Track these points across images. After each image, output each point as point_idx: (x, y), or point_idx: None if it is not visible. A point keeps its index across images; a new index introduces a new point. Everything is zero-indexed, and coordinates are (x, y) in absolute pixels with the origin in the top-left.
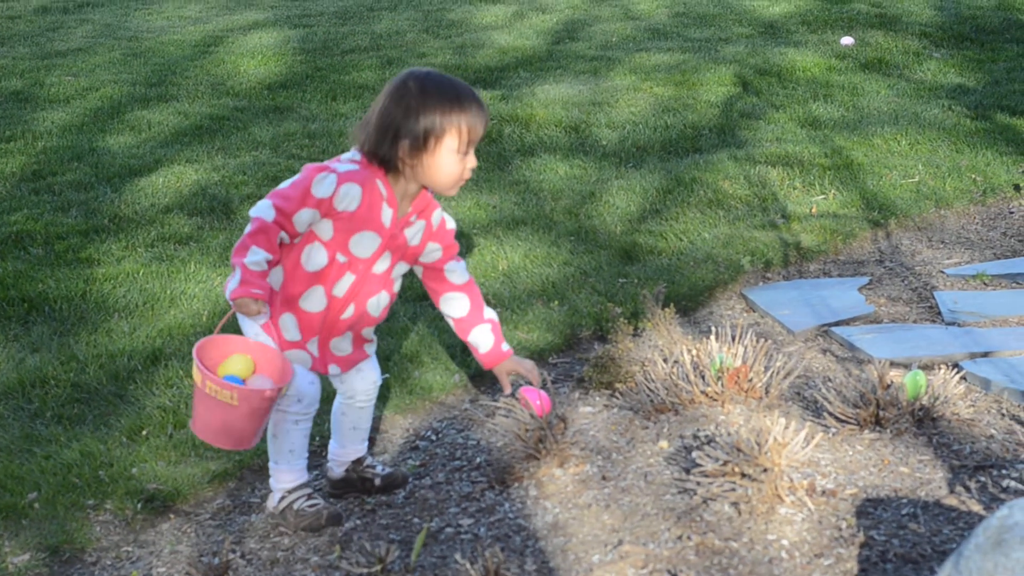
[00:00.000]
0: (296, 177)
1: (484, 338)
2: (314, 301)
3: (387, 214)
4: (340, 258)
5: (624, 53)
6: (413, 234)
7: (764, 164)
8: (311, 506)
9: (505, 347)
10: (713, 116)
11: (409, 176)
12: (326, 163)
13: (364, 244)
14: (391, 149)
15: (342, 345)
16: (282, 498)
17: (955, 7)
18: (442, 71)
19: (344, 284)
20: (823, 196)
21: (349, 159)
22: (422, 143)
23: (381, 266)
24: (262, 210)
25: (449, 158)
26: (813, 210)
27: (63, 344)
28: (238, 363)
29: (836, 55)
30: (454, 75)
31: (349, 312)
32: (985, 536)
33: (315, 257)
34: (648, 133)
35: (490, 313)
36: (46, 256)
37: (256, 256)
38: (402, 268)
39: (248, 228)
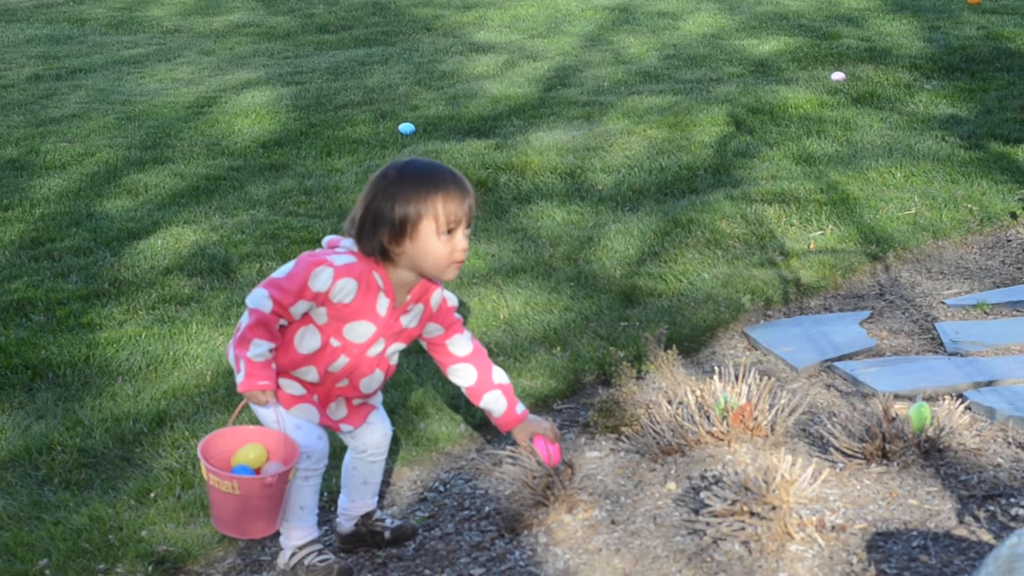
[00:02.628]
0: (293, 267)
1: (497, 404)
2: (309, 375)
3: (383, 304)
4: (334, 343)
5: (616, 97)
6: (410, 319)
7: (760, 202)
8: (322, 561)
9: (520, 409)
10: (708, 156)
11: (401, 264)
12: (323, 254)
13: (358, 331)
14: (374, 239)
15: (339, 411)
16: (293, 554)
17: (944, 38)
18: (430, 157)
19: (338, 364)
20: (821, 232)
21: (347, 250)
22: (399, 230)
23: (375, 350)
24: (259, 301)
25: (431, 242)
26: (811, 246)
27: (68, 410)
28: (250, 452)
29: (827, 91)
30: (448, 125)
31: (344, 383)
32: (996, 565)
33: (308, 340)
34: (643, 176)
35: (500, 377)
36: (48, 322)
37: (259, 349)
38: (398, 347)
39: (246, 319)
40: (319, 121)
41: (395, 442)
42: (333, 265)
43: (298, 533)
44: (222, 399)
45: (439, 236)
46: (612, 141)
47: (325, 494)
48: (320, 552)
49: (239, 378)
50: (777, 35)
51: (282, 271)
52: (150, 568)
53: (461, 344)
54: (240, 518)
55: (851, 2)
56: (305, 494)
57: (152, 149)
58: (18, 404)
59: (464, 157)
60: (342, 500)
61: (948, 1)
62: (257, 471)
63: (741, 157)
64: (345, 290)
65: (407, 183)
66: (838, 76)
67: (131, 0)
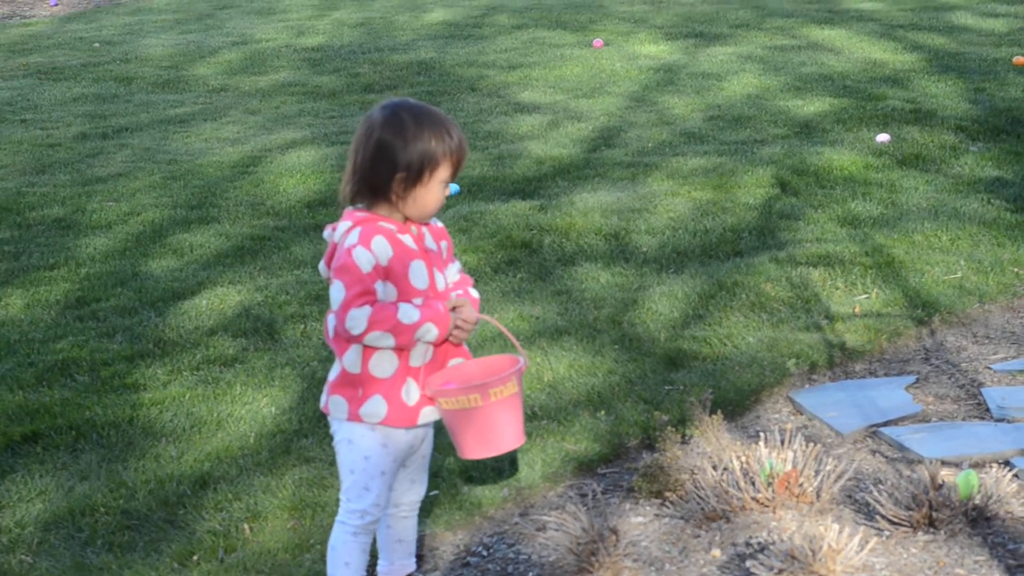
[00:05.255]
0: (340, 281)
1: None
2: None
3: (408, 240)
4: (416, 301)
5: (660, 158)
6: (430, 241)
7: (805, 265)
8: None
9: (474, 293)
10: (752, 218)
11: (397, 210)
12: (344, 247)
13: (420, 275)
14: (386, 183)
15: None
16: None
17: (990, 100)
18: (422, 101)
19: None
20: (866, 295)
21: (346, 230)
22: (416, 174)
23: (440, 283)
24: (359, 319)
25: (437, 188)
26: (856, 309)
27: (111, 471)
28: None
29: (872, 152)
30: (492, 186)
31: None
32: None
33: (406, 311)
34: (688, 238)
35: (474, 293)
36: (92, 383)
37: (403, 312)
38: (449, 275)
39: (364, 328)
40: None
41: (437, 505)
42: (356, 244)
43: None
44: (265, 461)
45: (444, 183)
46: (656, 203)
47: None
48: None
49: (433, 334)
50: (821, 96)
51: (339, 293)
52: None
53: (452, 271)
54: (507, 426)
55: (896, 63)
56: (353, 549)
57: (197, 209)
58: (62, 465)
59: (508, 218)
60: (381, 566)
61: (994, 63)
62: None
63: (786, 219)
64: (383, 248)
65: (426, 127)
66: (883, 138)
67: (178, 59)
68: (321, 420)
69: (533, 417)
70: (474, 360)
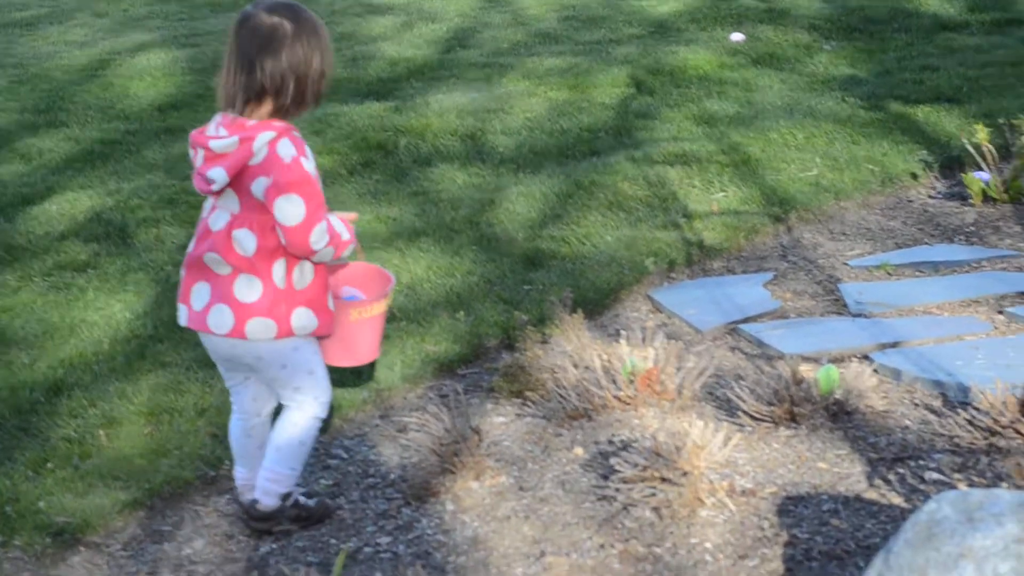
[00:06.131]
0: (296, 195)
1: None
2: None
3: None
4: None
5: (516, 59)
6: None
7: (662, 164)
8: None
9: None
10: (608, 118)
11: (297, 115)
12: (284, 159)
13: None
14: (312, 88)
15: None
16: (287, 496)
17: None
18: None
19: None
20: (723, 193)
21: (271, 140)
22: (317, 83)
23: None
24: (321, 233)
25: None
26: (713, 208)
27: None
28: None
29: (727, 51)
30: (346, 87)
31: None
32: (915, 531)
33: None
34: (544, 138)
35: None
36: None
37: (337, 226)
38: None
39: (325, 243)
40: (216, 84)
41: None
42: (296, 152)
43: (295, 478)
44: (120, 367)
45: None
46: (512, 103)
47: (226, 462)
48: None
49: (351, 250)
50: None
51: (300, 199)
52: (48, 540)
53: None
54: (371, 342)
55: None
56: (314, 435)
57: (45, 113)
58: None
59: (363, 120)
60: (240, 473)
61: None
62: None
63: (642, 119)
64: (313, 158)
65: (322, 33)
66: (737, 37)
67: None
68: (176, 325)
69: (392, 319)
70: (343, 268)
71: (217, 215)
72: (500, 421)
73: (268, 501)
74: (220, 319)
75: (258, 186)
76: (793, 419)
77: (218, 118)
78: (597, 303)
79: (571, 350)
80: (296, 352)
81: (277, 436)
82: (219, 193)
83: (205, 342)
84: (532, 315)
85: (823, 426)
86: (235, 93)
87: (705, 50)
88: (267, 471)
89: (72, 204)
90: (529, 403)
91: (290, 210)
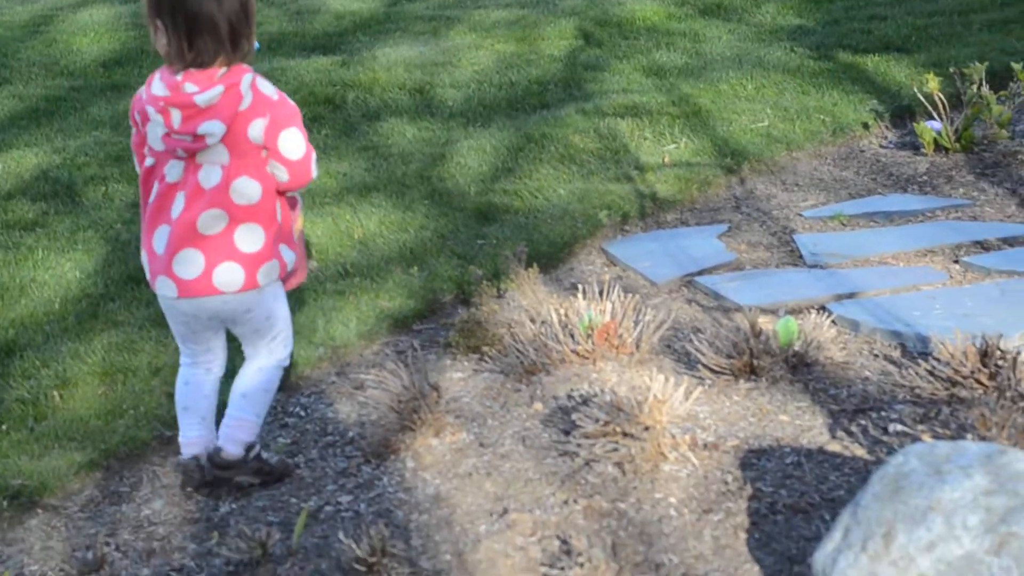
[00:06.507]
0: (295, 128)
1: None
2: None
3: None
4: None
5: (462, 11)
6: None
7: (612, 116)
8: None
9: None
10: (557, 70)
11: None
12: (271, 96)
13: None
14: (249, 38)
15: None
16: (253, 445)
17: None
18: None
19: None
20: (674, 145)
21: (251, 82)
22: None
23: None
24: (315, 161)
25: None
26: (665, 159)
27: None
28: None
29: (674, 2)
30: (292, 42)
31: None
32: (882, 484)
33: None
34: (493, 91)
35: None
36: None
37: None
38: None
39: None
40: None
41: None
42: (275, 89)
43: (259, 427)
44: (72, 327)
45: None
46: (460, 56)
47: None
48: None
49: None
50: None
51: (296, 135)
52: (5, 503)
53: None
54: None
55: None
56: (278, 383)
57: None
58: None
59: (310, 74)
60: (194, 431)
61: None
62: None
63: (591, 71)
64: None
65: None
66: None
67: None
68: (127, 283)
69: (345, 275)
70: None
71: (206, 171)
72: (458, 377)
73: (232, 449)
74: (230, 276)
75: (255, 129)
76: (753, 372)
77: (162, 75)
78: (551, 257)
79: (527, 304)
80: (276, 300)
81: (243, 383)
82: (194, 150)
83: (190, 305)
84: (486, 270)
85: (783, 378)
86: (182, 47)
87: (652, 1)
88: (231, 419)
89: (18, 162)
90: (486, 358)
91: (293, 143)
